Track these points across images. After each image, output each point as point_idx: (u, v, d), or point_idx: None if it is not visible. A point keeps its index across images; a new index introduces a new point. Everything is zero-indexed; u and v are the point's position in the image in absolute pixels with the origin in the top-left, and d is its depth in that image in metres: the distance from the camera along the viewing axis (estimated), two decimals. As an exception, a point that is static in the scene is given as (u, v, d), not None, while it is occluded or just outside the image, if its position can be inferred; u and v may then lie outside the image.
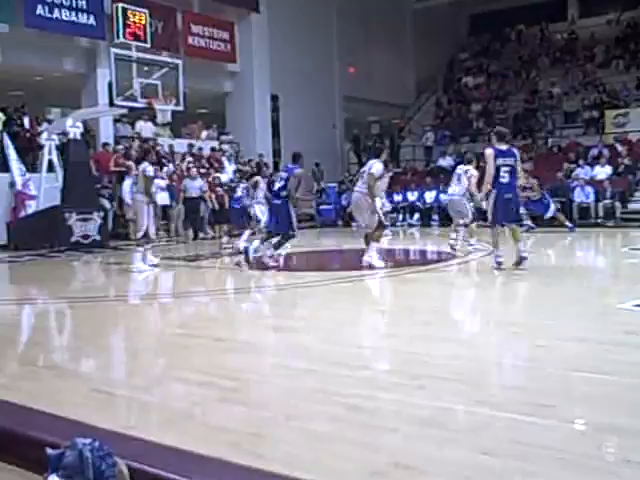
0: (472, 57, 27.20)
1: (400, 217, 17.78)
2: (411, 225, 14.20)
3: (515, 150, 8.54)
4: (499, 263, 8.20)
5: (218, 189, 15.25)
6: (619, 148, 18.26)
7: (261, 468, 2.52)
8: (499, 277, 8.22)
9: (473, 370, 3.92)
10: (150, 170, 9.98)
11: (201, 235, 15.31)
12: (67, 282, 9.37)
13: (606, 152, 18.13)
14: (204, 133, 19.31)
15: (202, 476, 2.40)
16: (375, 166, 9.07)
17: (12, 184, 13.73)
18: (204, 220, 15.58)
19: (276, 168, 20.40)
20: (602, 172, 17.17)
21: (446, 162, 21.24)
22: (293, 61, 20.41)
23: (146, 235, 9.93)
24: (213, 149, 18.20)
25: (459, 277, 8.87)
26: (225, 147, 18.93)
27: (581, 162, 17.86)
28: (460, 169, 10.97)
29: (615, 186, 16.50)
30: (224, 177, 16.02)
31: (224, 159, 17.61)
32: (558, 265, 9.43)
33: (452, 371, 3.89)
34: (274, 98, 20.91)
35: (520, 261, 8.14)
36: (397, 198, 18.30)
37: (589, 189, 16.41)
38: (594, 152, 18.34)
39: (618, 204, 16.22)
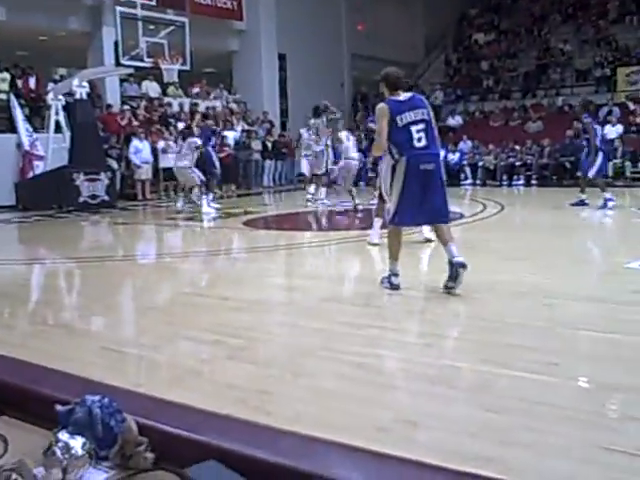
0: (482, 13, 26.67)
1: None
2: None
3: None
4: None
5: (225, 148, 15.18)
6: (631, 107, 17.99)
7: (268, 424, 2.55)
8: (507, 234, 8.20)
9: (479, 329, 3.93)
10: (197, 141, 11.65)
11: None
12: (76, 242, 9.40)
13: (617, 111, 17.88)
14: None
15: (209, 431, 2.43)
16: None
17: (19, 145, 13.71)
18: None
19: (283, 127, 20.26)
20: (613, 131, 16.96)
21: (455, 121, 21.06)
22: (300, 19, 20.08)
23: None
24: (214, 108, 17.93)
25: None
26: (233, 106, 18.77)
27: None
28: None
29: (626, 145, 16.32)
30: (231, 135, 15.96)
31: (233, 118, 17.49)
32: (564, 224, 9.38)
33: (459, 330, 3.91)
34: (281, 57, 20.64)
35: None
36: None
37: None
38: (604, 111, 18.09)
39: (628, 163, 16.07)
